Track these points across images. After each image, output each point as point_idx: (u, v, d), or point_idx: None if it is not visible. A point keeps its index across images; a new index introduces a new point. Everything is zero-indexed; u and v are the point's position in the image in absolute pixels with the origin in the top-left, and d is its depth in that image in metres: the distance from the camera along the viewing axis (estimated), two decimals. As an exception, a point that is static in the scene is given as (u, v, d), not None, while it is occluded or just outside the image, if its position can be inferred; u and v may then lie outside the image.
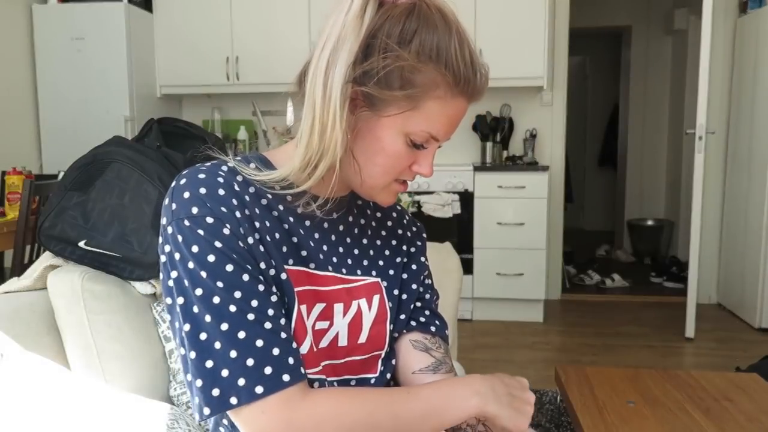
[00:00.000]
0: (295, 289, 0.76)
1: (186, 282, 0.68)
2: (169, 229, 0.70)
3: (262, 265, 0.71)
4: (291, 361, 0.68)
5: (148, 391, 1.12)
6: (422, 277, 0.93)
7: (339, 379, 0.81)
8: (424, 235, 0.98)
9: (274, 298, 0.71)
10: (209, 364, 0.66)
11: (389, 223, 0.93)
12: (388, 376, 0.86)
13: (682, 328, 3.46)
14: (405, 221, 0.95)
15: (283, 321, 0.71)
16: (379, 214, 0.92)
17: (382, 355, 0.85)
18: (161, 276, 0.73)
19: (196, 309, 0.67)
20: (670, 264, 4.78)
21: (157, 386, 1.17)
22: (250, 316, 0.67)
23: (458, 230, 3.70)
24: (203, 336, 0.67)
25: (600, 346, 3.31)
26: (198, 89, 4.15)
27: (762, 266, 3.53)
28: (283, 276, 0.74)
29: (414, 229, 0.96)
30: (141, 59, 3.85)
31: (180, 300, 0.69)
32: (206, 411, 0.66)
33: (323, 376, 0.78)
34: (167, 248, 0.71)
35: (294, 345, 0.70)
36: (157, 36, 4.03)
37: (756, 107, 3.63)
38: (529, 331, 3.59)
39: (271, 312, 0.69)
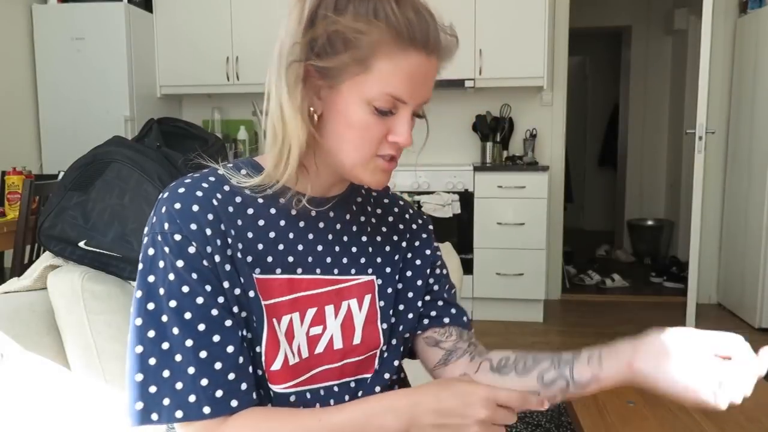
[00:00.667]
0: (282, 299, 0.76)
1: (143, 289, 0.71)
2: (145, 240, 0.72)
3: (226, 284, 0.72)
4: (219, 393, 0.69)
5: (148, 391, 1.12)
6: (428, 270, 0.91)
7: (338, 383, 0.81)
8: (431, 227, 0.96)
9: (228, 323, 0.71)
10: (139, 377, 0.69)
11: (390, 219, 0.91)
12: (387, 375, 0.84)
13: (682, 328, 3.45)
14: (408, 215, 0.93)
15: (230, 348, 0.70)
16: (379, 211, 0.91)
17: (378, 354, 0.84)
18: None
19: (139, 321, 0.70)
20: (670, 264, 4.78)
21: (157, 386, 1.16)
22: (188, 343, 0.69)
23: (458, 230, 3.70)
24: (139, 349, 0.69)
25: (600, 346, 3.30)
26: (198, 89, 4.15)
27: (762, 266, 3.53)
28: (251, 294, 0.74)
29: (419, 221, 0.94)
30: (141, 59, 3.85)
31: (133, 315, 0.71)
32: (130, 420, 0.69)
33: (315, 385, 0.78)
34: (141, 255, 0.73)
35: (231, 375, 0.70)
36: (157, 36, 4.03)
37: (756, 107, 3.63)
38: (529, 331, 3.59)
39: (216, 338, 0.70)
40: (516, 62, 3.78)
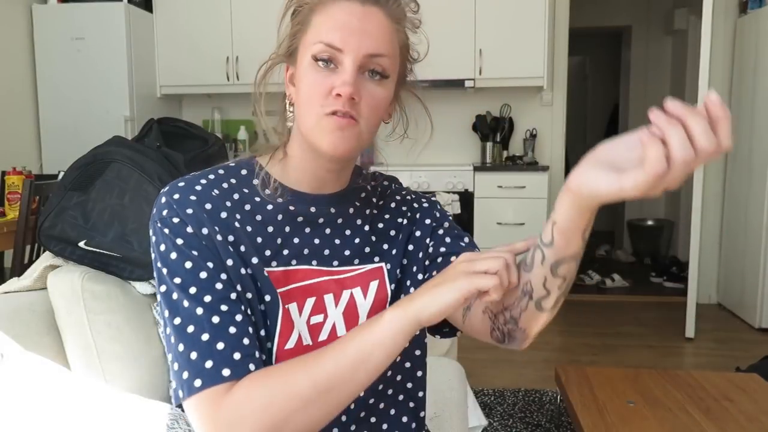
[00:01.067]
0: (279, 290, 0.77)
1: (156, 279, 0.74)
2: (150, 231, 0.76)
3: (230, 262, 0.73)
4: (237, 356, 0.69)
5: (148, 391, 1.12)
6: (428, 239, 0.88)
7: None
8: (436, 203, 0.94)
9: (233, 296, 0.72)
10: (169, 357, 0.71)
11: (393, 205, 0.91)
12: (398, 359, 0.83)
13: (682, 328, 3.46)
14: (412, 197, 0.93)
15: (239, 317, 0.71)
16: (383, 202, 0.91)
17: None
18: None
19: (162, 305, 0.73)
20: (670, 264, 4.78)
21: (157, 386, 1.17)
22: (199, 311, 0.70)
23: (458, 230, 3.70)
24: (167, 330, 0.72)
25: (600, 346, 3.31)
26: (198, 89, 4.15)
27: (762, 266, 3.53)
28: (265, 273, 0.76)
29: (423, 200, 0.93)
30: (141, 59, 3.85)
31: (162, 288, 0.74)
32: (179, 393, 0.69)
33: None
34: (151, 249, 0.76)
35: (246, 341, 0.70)
36: (157, 36, 4.03)
37: (756, 107, 3.63)
38: (529, 331, 3.59)
39: (224, 308, 0.70)
40: (516, 62, 3.78)
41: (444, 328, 0.90)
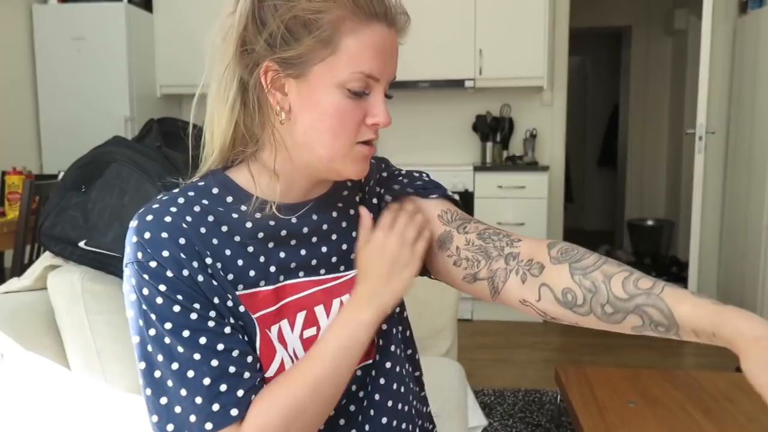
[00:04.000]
0: (268, 310, 0.75)
1: (141, 322, 0.70)
2: (126, 271, 0.71)
3: (216, 300, 0.70)
4: (240, 393, 0.69)
5: (148, 391, 1.12)
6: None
7: None
8: (385, 163, 0.90)
9: (227, 330, 0.70)
10: (163, 401, 0.69)
11: (374, 200, 0.86)
12: (388, 365, 0.82)
13: (682, 328, 3.45)
14: (387, 173, 0.88)
15: (236, 353, 0.70)
16: (367, 196, 0.87)
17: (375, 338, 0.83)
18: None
19: (149, 348, 0.69)
20: (670, 264, 4.78)
21: (157, 386, 1.16)
22: (197, 356, 0.68)
23: (458, 230, 3.69)
24: (157, 374, 0.69)
25: (600, 346, 3.31)
26: (198, 89, 4.14)
27: (762, 266, 3.53)
28: (241, 308, 0.73)
29: (381, 172, 0.88)
30: (141, 59, 3.85)
31: (135, 339, 0.71)
32: None
33: None
34: (125, 287, 0.72)
35: (247, 374, 0.70)
36: (157, 36, 4.03)
37: (756, 107, 3.63)
38: (529, 331, 3.59)
39: (220, 347, 0.69)
40: (516, 62, 3.78)
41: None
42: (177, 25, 4.01)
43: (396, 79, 0.75)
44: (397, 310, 0.85)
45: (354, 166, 0.73)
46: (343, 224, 0.82)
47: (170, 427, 0.69)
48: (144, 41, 3.92)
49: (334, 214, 0.82)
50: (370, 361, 0.82)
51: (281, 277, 0.76)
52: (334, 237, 0.81)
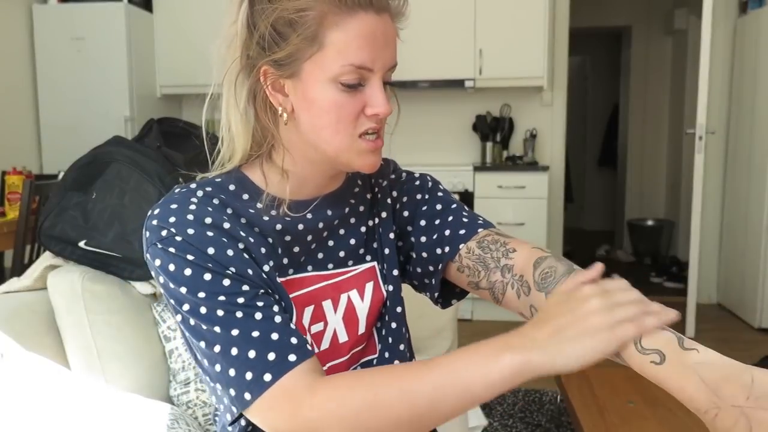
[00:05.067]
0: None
1: (173, 301, 0.69)
2: (148, 257, 0.70)
3: (249, 271, 0.69)
4: (294, 340, 0.66)
5: (148, 391, 1.12)
6: (435, 225, 0.84)
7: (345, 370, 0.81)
8: (426, 177, 0.89)
9: (261, 291, 0.69)
10: (218, 368, 0.66)
11: (385, 198, 0.86)
12: (387, 354, 0.83)
13: (682, 328, 3.46)
14: (404, 176, 0.89)
15: (276, 308, 0.68)
16: (379, 194, 0.87)
17: (375, 331, 0.83)
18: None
19: (192, 322, 0.68)
20: (670, 264, 4.78)
21: (157, 386, 1.17)
22: (239, 314, 0.66)
23: (458, 230, 3.69)
24: (203, 344, 0.67)
25: (600, 346, 3.30)
26: (198, 89, 4.13)
27: (762, 266, 3.53)
28: (278, 280, 0.73)
29: (407, 175, 0.89)
30: (141, 59, 3.85)
31: (178, 318, 0.70)
32: (247, 396, 0.65)
33: None
34: (153, 274, 0.71)
35: (293, 325, 0.68)
36: (157, 36, 4.03)
37: (756, 107, 3.63)
38: (529, 331, 3.59)
39: (260, 303, 0.67)
40: (516, 62, 3.78)
41: (454, 295, 0.88)
42: (177, 25, 4.01)
43: (397, 67, 0.73)
44: (399, 309, 0.85)
45: (361, 160, 0.73)
46: (352, 220, 0.83)
47: (247, 396, 0.65)
48: (144, 41, 3.92)
49: (346, 209, 0.82)
50: (376, 355, 0.83)
51: (290, 270, 0.77)
52: (342, 232, 0.82)
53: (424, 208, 0.85)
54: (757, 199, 3.59)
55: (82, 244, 1.15)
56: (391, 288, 0.84)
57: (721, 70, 3.99)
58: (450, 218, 0.83)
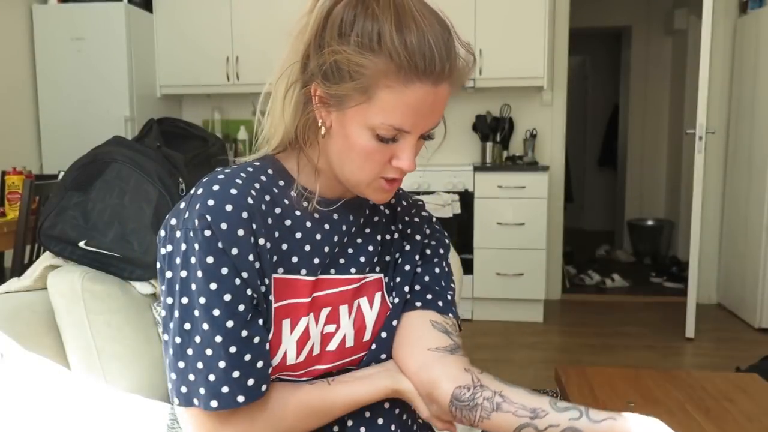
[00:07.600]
0: (302, 300, 0.77)
1: (177, 286, 0.72)
2: (177, 233, 0.72)
3: (253, 284, 0.73)
4: (251, 382, 0.72)
5: (148, 391, 1.12)
6: (417, 256, 0.89)
7: (337, 371, 0.82)
8: (433, 221, 0.94)
9: (254, 316, 0.73)
10: (181, 364, 0.73)
11: (397, 219, 0.91)
12: (384, 356, 0.84)
13: (682, 328, 3.46)
14: (415, 209, 0.94)
15: (257, 339, 0.73)
16: (389, 210, 0.91)
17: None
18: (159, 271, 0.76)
19: (177, 313, 0.72)
20: (670, 264, 4.78)
21: (157, 386, 1.17)
22: (218, 339, 0.71)
23: (458, 230, 3.70)
24: (178, 339, 0.72)
25: (600, 346, 3.31)
26: (198, 89, 4.14)
27: (762, 266, 3.53)
28: (271, 297, 0.75)
29: (422, 214, 0.94)
30: (141, 59, 3.85)
31: (169, 300, 0.73)
32: (177, 400, 0.74)
33: (313, 375, 0.79)
34: (169, 248, 0.73)
35: (260, 363, 0.73)
36: (157, 36, 4.03)
37: (756, 107, 3.63)
38: (529, 331, 3.59)
39: (244, 333, 0.72)
40: (516, 62, 3.78)
41: None
42: (177, 25, 4.01)
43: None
44: (395, 323, 0.86)
45: (375, 195, 0.78)
46: (368, 229, 0.86)
47: (183, 389, 0.72)
48: (144, 41, 3.92)
49: (363, 218, 0.86)
50: (366, 352, 0.83)
51: (319, 271, 0.80)
52: (359, 240, 0.85)
53: (433, 260, 0.91)
54: (757, 199, 3.59)
55: (82, 244, 1.15)
56: (397, 300, 0.85)
57: (721, 70, 4.00)
58: (435, 287, 0.89)
